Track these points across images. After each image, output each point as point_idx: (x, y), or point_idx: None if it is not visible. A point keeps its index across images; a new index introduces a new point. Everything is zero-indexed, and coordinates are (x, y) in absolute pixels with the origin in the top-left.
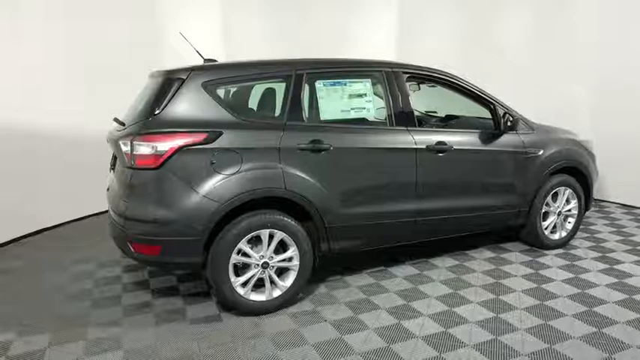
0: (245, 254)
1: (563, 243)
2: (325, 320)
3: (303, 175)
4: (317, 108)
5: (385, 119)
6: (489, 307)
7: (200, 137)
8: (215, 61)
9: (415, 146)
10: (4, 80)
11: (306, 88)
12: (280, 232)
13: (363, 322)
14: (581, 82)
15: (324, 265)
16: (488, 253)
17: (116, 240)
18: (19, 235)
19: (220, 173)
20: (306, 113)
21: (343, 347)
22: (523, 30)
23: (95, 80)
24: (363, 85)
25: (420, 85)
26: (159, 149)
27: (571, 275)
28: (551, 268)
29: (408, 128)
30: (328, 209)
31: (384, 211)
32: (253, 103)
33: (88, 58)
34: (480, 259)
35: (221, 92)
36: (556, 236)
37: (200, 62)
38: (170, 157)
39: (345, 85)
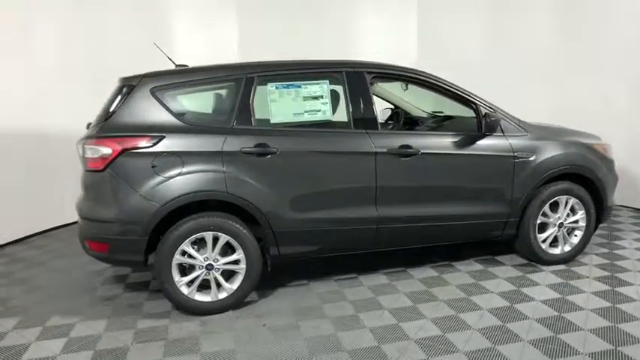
0: (190, 255)
1: (567, 258)
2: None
3: (247, 179)
4: (268, 111)
5: (344, 122)
6: (440, 324)
7: (142, 141)
8: (186, 66)
9: (374, 150)
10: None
11: (257, 92)
12: (225, 235)
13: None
14: (608, 84)
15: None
16: (477, 266)
17: (79, 238)
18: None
19: (160, 176)
20: (255, 117)
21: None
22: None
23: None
24: (320, 87)
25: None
26: (104, 153)
27: (557, 296)
28: (539, 286)
29: (368, 131)
30: (276, 214)
31: (340, 217)
32: (204, 107)
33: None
34: (464, 272)
35: (172, 97)
36: (557, 250)
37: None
38: (114, 160)
39: (300, 87)
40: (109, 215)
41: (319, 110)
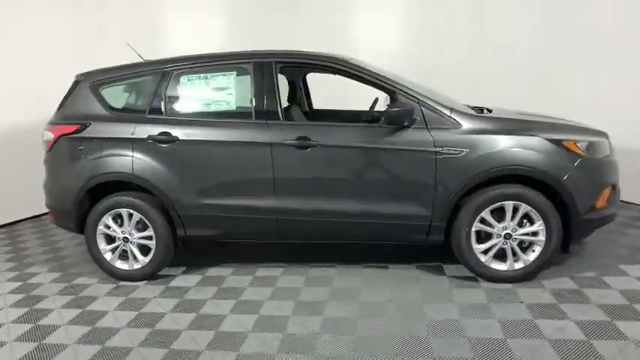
0: (110, 227)
1: (517, 277)
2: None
3: (151, 164)
4: (178, 102)
5: (247, 112)
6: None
7: (73, 128)
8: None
9: (271, 141)
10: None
11: (171, 84)
12: (137, 213)
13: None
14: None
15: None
16: (414, 271)
17: None
18: None
19: (84, 158)
20: (166, 107)
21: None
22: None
23: None
24: (227, 79)
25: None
26: (49, 137)
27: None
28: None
29: (268, 122)
30: (179, 198)
31: (239, 205)
32: (128, 99)
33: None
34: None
35: (105, 91)
36: (502, 266)
37: None
38: (54, 143)
39: (208, 79)
40: (53, 189)
41: (224, 101)
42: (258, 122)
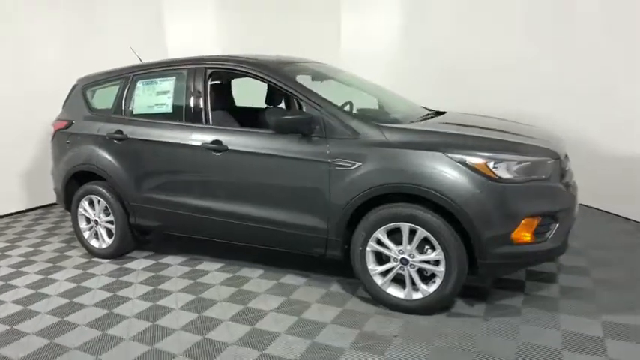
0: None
1: (418, 309)
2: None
3: (108, 158)
4: (133, 104)
5: (180, 115)
6: None
7: (64, 124)
8: None
9: (191, 143)
10: None
11: (130, 88)
12: (103, 200)
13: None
14: None
15: None
16: (301, 279)
17: None
18: None
19: (70, 150)
20: (125, 108)
21: None
22: None
23: None
24: (168, 83)
25: None
26: (52, 130)
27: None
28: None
29: (193, 125)
30: (127, 189)
31: (170, 201)
32: (105, 100)
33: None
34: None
35: (91, 93)
36: (401, 294)
37: None
38: (54, 136)
39: (156, 83)
40: (54, 174)
41: (164, 104)
42: (186, 125)
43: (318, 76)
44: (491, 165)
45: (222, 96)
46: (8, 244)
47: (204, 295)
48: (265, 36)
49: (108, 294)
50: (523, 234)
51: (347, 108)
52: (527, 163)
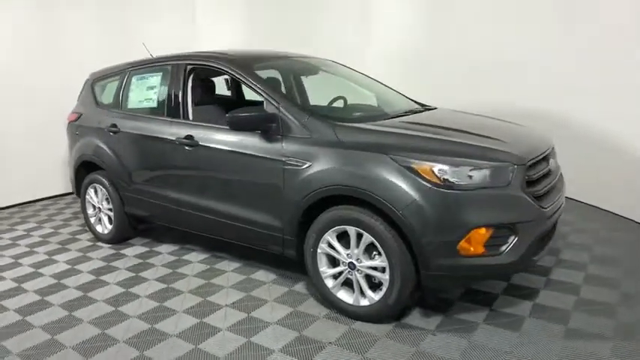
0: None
1: (365, 316)
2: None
3: (105, 149)
4: (128, 98)
5: (162, 110)
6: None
7: (74, 116)
8: None
9: (169, 137)
10: None
11: (127, 83)
12: (104, 189)
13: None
14: None
15: None
16: (272, 276)
17: None
18: None
19: (79, 140)
20: (122, 102)
21: None
22: None
23: None
24: (155, 79)
25: None
26: (67, 121)
27: None
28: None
29: (173, 119)
30: (119, 179)
31: (153, 192)
32: (108, 95)
33: None
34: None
35: (98, 88)
36: (350, 299)
37: None
38: (68, 127)
39: (146, 79)
40: (69, 162)
41: (151, 99)
42: (166, 119)
43: (306, 71)
44: (436, 169)
45: (203, 91)
46: (36, 225)
47: (174, 285)
48: (294, 35)
49: (92, 277)
50: (472, 245)
51: (337, 104)
52: (483, 169)
